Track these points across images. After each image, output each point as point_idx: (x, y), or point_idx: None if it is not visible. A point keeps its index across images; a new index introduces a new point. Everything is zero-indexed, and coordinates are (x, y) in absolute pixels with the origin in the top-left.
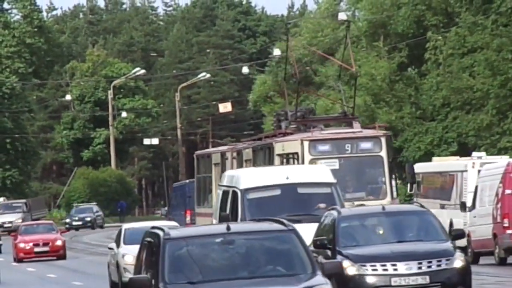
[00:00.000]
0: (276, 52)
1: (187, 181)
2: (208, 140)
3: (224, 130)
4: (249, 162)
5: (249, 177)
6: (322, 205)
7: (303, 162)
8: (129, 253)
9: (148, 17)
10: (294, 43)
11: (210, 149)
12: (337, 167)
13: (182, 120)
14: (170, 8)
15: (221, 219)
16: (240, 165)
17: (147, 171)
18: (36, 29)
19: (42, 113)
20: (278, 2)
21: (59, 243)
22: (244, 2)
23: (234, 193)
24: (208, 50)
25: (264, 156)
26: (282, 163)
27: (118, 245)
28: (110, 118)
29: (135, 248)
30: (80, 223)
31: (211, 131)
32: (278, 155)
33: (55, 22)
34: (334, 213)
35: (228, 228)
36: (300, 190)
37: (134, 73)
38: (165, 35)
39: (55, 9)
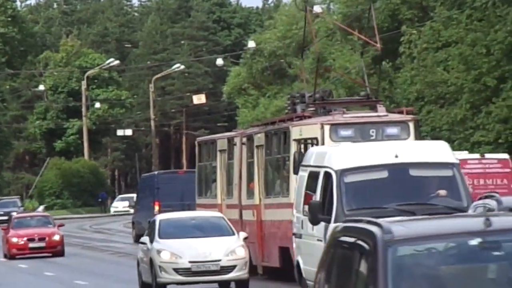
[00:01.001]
0: (251, 44)
1: (156, 172)
2: (181, 132)
3: (198, 122)
4: (261, 148)
5: (346, 155)
6: (442, 192)
7: None
8: (166, 249)
9: (122, 8)
10: (268, 36)
11: (215, 135)
12: None
13: (156, 111)
14: (145, 1)
15: (310, 210)
16: (250, 152)
17: (120, 162)
18: (9, 19)
19: (15, 103)
20: None
21: (56, 238)
22: None
23: (327, 175)
24: (182, 42)
25: (279, 141)
26: (299, 150)
27: (152, 240)
28: (84, 109)
29: (173, 243)
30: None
31: (185, 123)
32: (295, 140)
33: (29, 11)
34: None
35: (488, 222)
36: (413, 172)
37: (108, 63)
38: (140, 26)
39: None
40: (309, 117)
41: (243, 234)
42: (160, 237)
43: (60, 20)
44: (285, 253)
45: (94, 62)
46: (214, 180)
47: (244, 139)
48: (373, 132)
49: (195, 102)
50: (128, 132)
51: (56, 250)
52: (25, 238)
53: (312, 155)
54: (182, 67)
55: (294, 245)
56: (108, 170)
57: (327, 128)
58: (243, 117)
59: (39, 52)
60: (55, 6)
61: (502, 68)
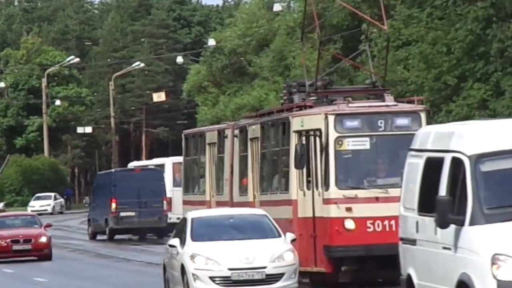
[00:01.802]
0: (211, 42)
1: (113, 170)
2: (141, 129)
3: (158, 120)
4: (255, 140)
5: (484, 136)
6: None
7: (326, 141)
8: (201, 254)
9: (83, 6)
10: (228, 34)
11: (204, 127)
12: (367, 147)
13: (116, 109)
14: None
15: (439, 208)
16: (244, 145)
17: (80, 160)
18: None
19: None
20: None
21: (43, 239)
22: None
23: (456, 162)
24: (142, 39)
25: (277, 133)
26: (300, 142)
27: (183, 242)
28: (44, 106)
29: (209, 246)
30: None
31: (145, 120)
32: (296, 132)
33: None
34: None
35: None
36: None
37: (69, 61)
38: (100, 23)
39: None
40: (311, 106)
41: (290, 236)
42: (193, 239)
43: (21, 17)
44: None
45: (55, 59)
46: (203, 176)
47: (237, 131)
48: (381, 123)
49: (155, 100)
50: (88, 129)
51: (43, 254)
52: (8, 240)
53: (430, 135)
54: (142, 65)
55: (400, 254)
56: (68, 167)
57: (331, 118)
58: (202, 115)
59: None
60: (16, 3)
61: (462, 66)
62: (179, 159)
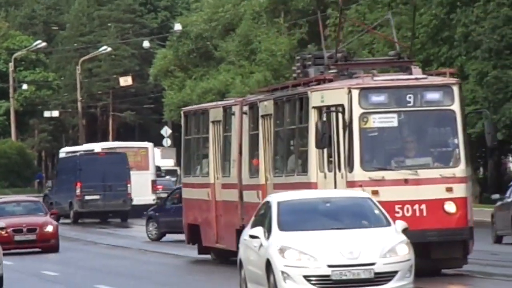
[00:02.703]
0: (177, 27)
1: (78, 153)
2: (108, 114)
3: (125, 104)
4: (268, 117)
5: None
6: None
7: (350, 118)
8: (292, 247)
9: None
10: (195, 18)
11: (208, 104)
12: (395, 124)
13: (83, 93)
14: None
15: None
16: (254, 122)
17: (47, 143)
18: None
19: None
20: None
21: (49, 229)
22: None
23: None
24: (109, 24)
25: (293, 109)
26: (321, 119)
27: (268, 232)
28: (11, 90)
29: (302, 237)
30: None
31: (112, 104)
32: (315, 108)
33: None
34: None
35: None
36: None
37: (35, 45)
38: (67, 8)
39: None
40: (331, 80)
41: (401, 224)
42: (281, 228)
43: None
44: None
45: (22, 44)
46: (206, 156)
47: (246, 108)
48: (410, 97)
49: (121, 84)
50: (55, 113)
51: (49, 245)
52: (10, 229)
53: None
54: (109, 49)
55: None
56: (35, 151)
57: (355, 93)
58: (169, 99)
59: None
60: None
61: (427, 51)
62: (109, 144)
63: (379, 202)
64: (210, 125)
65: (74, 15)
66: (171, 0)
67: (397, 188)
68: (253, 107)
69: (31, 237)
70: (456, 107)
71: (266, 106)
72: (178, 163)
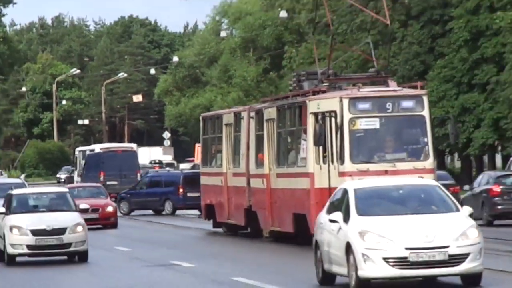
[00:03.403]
0: (175, 58)
1: (101, 150)
2: (124, 122)
3: (136, 115)
4: (271, 121)
5: None
6: None
7: (341, 121)
8: (372, 231)
9: (82, 32)
10: (188, 52)
11: (221, 110)
12: (377, 126)
13: (106, 107)
14: (99, 26)
15: None
16: (260, 125)
17: (80, 144)
18: (1, 39)
19: (5, 100)
20: (177, 22)
21: (110, 209)
22: (152, 22)
23: None
24: (125, 57)
25: (293, 115)
26: (315, 123)
27: (346, 216)
28: (54, 105)
29: (379, 222)
30: None
31: (127, 115)
32: (313, 113)
33: (15, 34)
34: None
35: None
36: None
37: (72, 72)
38: (95, 45)
39: (15, 24)
40: (324, 91)
41: (468, 209)
42: (359, 213)
43: (38, 40)
44: (300, 219)
45: (62, 71)
46: (219, 151)
47: (253, 113)
48: (389, 105)
49: (134, 100)
50: (86, 122)
51: (109, 222)
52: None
53: None
54: (125, 75)
55: None
56: (70, 149)
57: (346, 101)
58: (168, 111)
59: (22, 63)
60: (34, 30)
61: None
62: (106, 145)
63: None
64: (223, 127)
65: (100, 50)
66: (170, 39)
67: (379, 178)
68: (259, 112)
69: (95, 216)
70: (425, 113)
71: (270, 112)
72: (175, 158)
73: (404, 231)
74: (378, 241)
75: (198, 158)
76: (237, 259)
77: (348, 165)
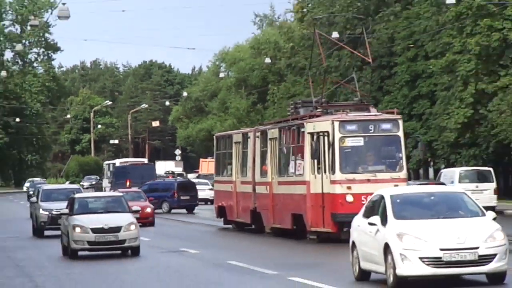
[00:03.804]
0: (185, 93)
1: (127, 164)
2: (145, 142)
3: (154, 136)
4: (274, 140)
5: None
6: None
7: (333, 140)
8: (408, 233)
9: (114, 72)
10: (194, 89)
11: (231, 131)
12: (362, 144)
13: (131, 130)
14: (126, 68)
15: None
16: (264, 143)
17: (111, 158)
18: (51, 78)
19: (53, 124)
20: (186, 65)
21: (148, 210)
22: (167, 65)
23: None
24: (147, 92)
25: (292, 134)
26: (312, 141)
27: (384, 220)
28: (91, 128)
29: (415, 225)
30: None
31: (147, 136)
32: (309, 133)
33: (62, 74)
34: None
35: None
36: None
37: (105, 103)
38: (123, 82)
39: (62, 67)
40: (319, 116)
41: (492, 214)
42: (396, 217)
43: (79, 79)
44: (297, 218)
45: (98, 102)
46: (230, 164)
47: (258, 134)
48: (371, 127)
49: (153, 125)
50: (116, 141)
51: (148, 221)
52: None
53: None
54: (146, 106)
55: None
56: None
57: (336, 124)
58: (179, 134)
59: (67, 96)
60: (76, 71)
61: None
62: (124, 160)
63: (352, 194)
64: (233, 144)
65: (127, 87)
66: (181, 78)
67: (363, 185)
68: (263, 133)
69: (136, 215)
70: (400, 133)
71: (273, 132)
72: (184, 169)
73: (437, 233)
74: (414, 242)
75: (202, 170)
76: (236, 248)
77: (338, 175)
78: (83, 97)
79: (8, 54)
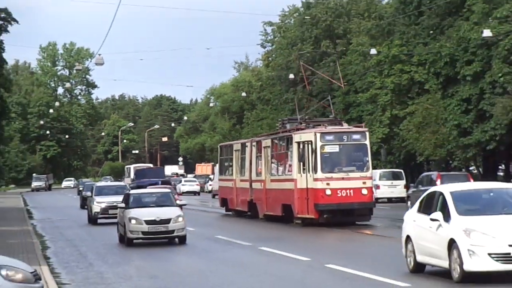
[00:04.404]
0: (185, 118)
1: (145, 168)
2: (157, 152)
3: (164, 148)
4: (267, 148)
5: None
6: None
7: (315, 147)
8: (476, 229)
9: (135, 103)
10: (192, 114)
11: (232, 142)
12: (337, 150)
13: (147, 144)
14: (143, 99)
15: None
16: (259, 150)
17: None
18: (91, 107)
19: (92, 140)
20: (186, 97)
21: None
22: (173, 98)
23: None
24: (158, 117)
25: (282, 143)
26: (298, 151)
27: (446, 216)
28: (119, 142)
29: (481, 221)
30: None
31: (159, 148)
32: (296, 142)
33: (98, 104)
34: None
35: None
36: None
37: (129, 125)
38: (142, 110)
39: (98, 98)
40: (303, 129)
41: None
42: (459, 213)
43: (110, 107)
44: (286, 207)
45: (123, 124)
46: (231, 166)
47: (254, 143)
48: (345, 137)
49: (163, 140)
50: (136, 151)
51: None
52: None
53: None
54: (158, 126)
55: None
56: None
57: (318, 135)
58: (182, 146)
59: (102, 120)
60: (108, 102)
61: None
62: (137, 165)
63: (330, 188)
64: (234, 152)
65: (144, 113)
66: (182, 107)
67: (339, 182)
68: (258, 143)
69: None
70: (367, 142)
71: (266, 142)
72: (185, 171)
73: (504, 229)
74: (482, 238)
75: (197, 171)
76: (226, 228)
77: (319, 174)
78: (113, 120)
79: (60, 90)
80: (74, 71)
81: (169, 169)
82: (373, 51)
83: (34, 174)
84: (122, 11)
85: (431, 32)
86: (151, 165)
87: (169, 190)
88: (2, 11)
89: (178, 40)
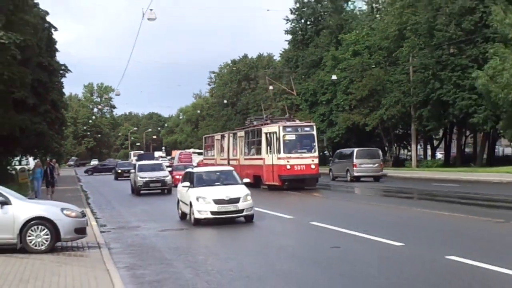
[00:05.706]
0: (166, 125)
1: (143, 153)
2: (151, 144)
3: (154, 142)
4: (241, 138)
5: None
6: None
7: (279, 136)
8: None
9: (137, 118)
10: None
11: (213, 134)
12: (294, 138)
13: (145, 140)
14: (141, 116)
15: None
16: (234, 139)
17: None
18: (112, 120)
19: (113, 138)
20: (165, 112)
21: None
22: (159, 115)
23: None
24: (150, 124)
25: (254, 134)
26: (266, 139)
27: None
28: (129, 139)
29: None
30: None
31: (151, 143)
32: (264, 133)
33: (118, 117)
34: None
35: None
36: None
37: (134, 129)
38: (141, 122)
39: (116, 114)
40: (269, 124)
41: None
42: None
43: (123, 119)
44: (257, 177)
45: (131, 129)
46: (212, 149)
47: (231, 134)
48: (299, 129)
49: (153, 137)
50: (138, 144)
51: (166, 187)
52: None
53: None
54: (150, 130)
55: None
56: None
57: (281, 128)
58: (164, 140)
59: (118, 127)
60: (123, 116)
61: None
62: (137, 151)
63: (290, 164)
64: (215, 140)
65: (142, 122)
66: (164, 120)
67: (295, 159)
68: (235, 134)
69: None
70: (314, 132)
71: (241, 134)
72: (166, 155)
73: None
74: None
75: (172, 155)
76: None
77: (282, 155)
78: (125, 126)
79: (95, 110)
80: (103, 99)
81: (157, 154)
82: (271, 87)
83: (74, 157)
84: (131, 64)
85: (303, 76)
86: (144, 152)
87: (232, 168)
88: (62, 65)
89: (161, 81)
